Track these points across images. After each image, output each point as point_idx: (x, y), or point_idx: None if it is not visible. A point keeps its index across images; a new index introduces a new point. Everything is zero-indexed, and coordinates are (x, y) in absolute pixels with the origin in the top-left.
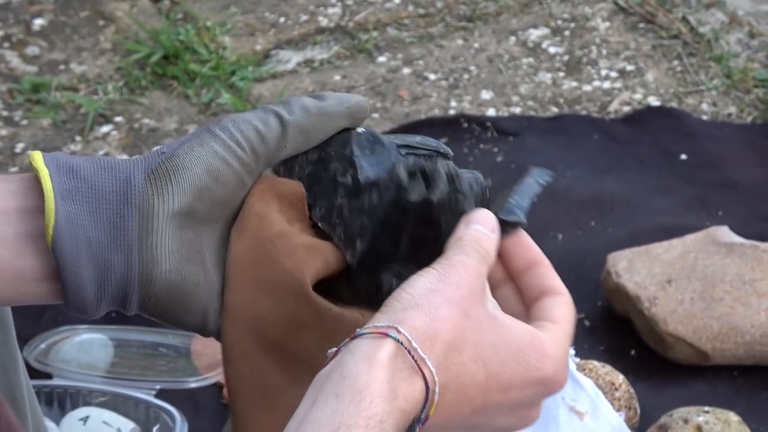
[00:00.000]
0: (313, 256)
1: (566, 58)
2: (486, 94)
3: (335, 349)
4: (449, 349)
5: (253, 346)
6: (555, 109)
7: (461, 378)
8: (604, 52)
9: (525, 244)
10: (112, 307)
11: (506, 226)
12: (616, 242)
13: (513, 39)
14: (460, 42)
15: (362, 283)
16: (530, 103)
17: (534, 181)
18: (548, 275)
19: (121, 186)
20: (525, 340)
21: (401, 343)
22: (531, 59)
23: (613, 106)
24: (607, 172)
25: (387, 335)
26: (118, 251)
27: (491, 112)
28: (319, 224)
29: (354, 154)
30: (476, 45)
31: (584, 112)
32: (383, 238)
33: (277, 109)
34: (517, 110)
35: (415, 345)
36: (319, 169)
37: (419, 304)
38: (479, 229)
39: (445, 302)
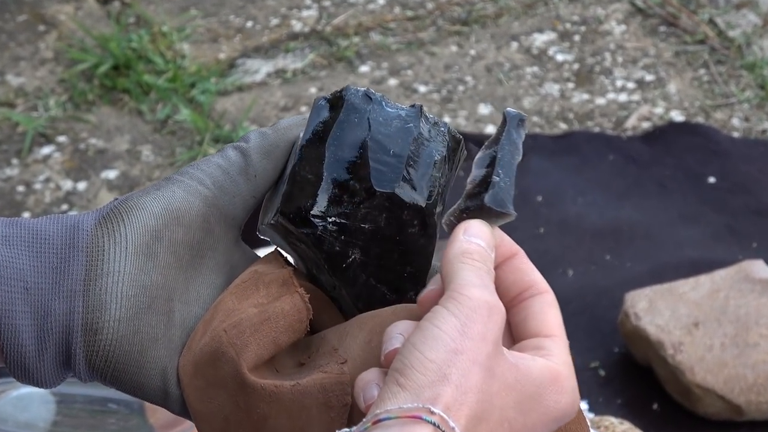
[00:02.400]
0: (259, 336)
1: (576, 66)
2: (484, 109)
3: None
4: (476, 420)
5: None
6: (564, 126)
7: None
8: (620, 59)
9: (499, 236)
10: (60, 368)
11: (491, 217)
12: (635, 279)
13: (515, 45)
14: (454, 48)
15: (346, 296)
16: (535, 118)
17: (515, 141)
18: (525, 268)
19: (67, 231)
20: (543, 380)
21: (437, 426)
22: (536, 68)
23: (631, 122)
24: (625, 198)
25: (420, 418)
26: (60, 297)
27: (490, 129)
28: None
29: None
30: (472, 52)
31: (597, 129)
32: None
33: (235, 143)
34: None
35: (452, 425)
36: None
37: (447, 375)
38: (482, 245)
39: (473, 366)
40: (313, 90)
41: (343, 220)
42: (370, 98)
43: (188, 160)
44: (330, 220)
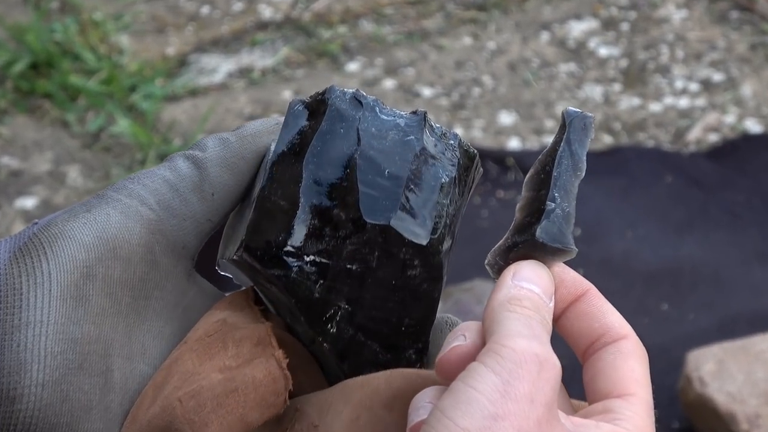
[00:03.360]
0: (223, 412)
1: (624, 63)
2: (506, 117)
3: None
4: None
5: None
6: (608, 139)
7: None
8: (680, 54)
9: (559, 274)
10: None
11: (546, 254)
12: (700, 334)
13: (545, 35)
14: (467, 40)
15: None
16: None
17: (577, 152)
18: (596, 311)
19: None
20: None
21: None
22: (572, 65)
23: (694, 134)
24: (686, 231)
25: None
26: None
27: (514, 143)
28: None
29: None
30: (491, 45)
31: (651, 143)
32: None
33: (187, 151)
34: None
35: None
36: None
37: None
38: (536, 291)
39: None
40: (287, 94)
41: (324, 260)
42: (360, 102)
43: None
44: (308, 259)
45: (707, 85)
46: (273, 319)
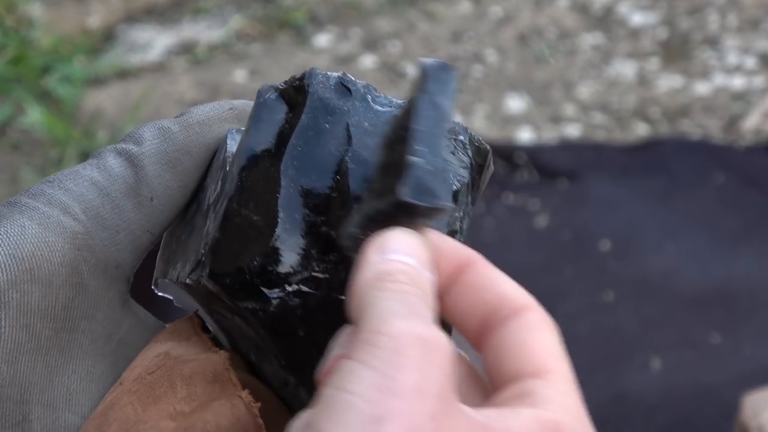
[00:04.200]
0: None
1: (663, 33)
2: (515, 102)
3: None
4: None
5: None
6: (644, 129)
7: None
8: (733, 21)
9: (436, 243)
10: None
11: (416, 217)
12: (759, 372)
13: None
14: (466, 6)
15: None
16: (597, 117)
17: (439, 102)
18: (487, 281)
19: None
20: None
21: None
22: (598, 36)
23: (751, 122)
24: (741, 244)
25: None
26: None
27: (525, 135)
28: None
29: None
30: (496, 11)
31: (697, 134)
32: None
33: (118, 145)
34: (573, 131)
35: None
36: None
37: None
38: (409, 262)
39: None
40: (239, 75)
41: (310, 290)
42: (349, 89)
43: None
44: (290, 289)
45: (767, 61)
46: (234, 357)
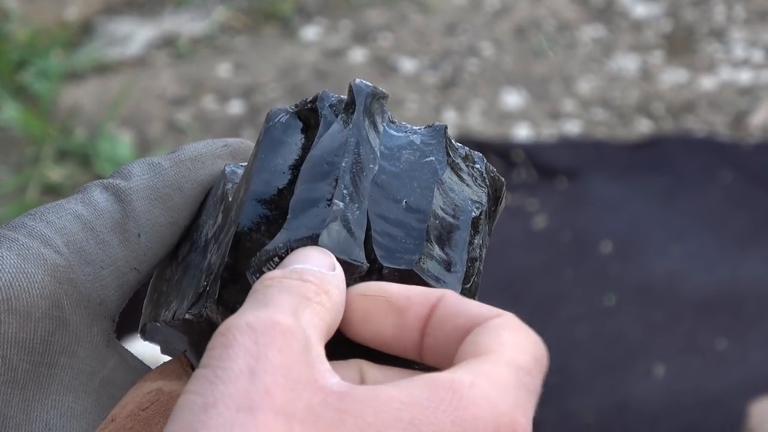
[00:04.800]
0: None
1: (668, 25)
2: (513, 97)
3: None
4: None
5: None
6: (647, 125)
7: None
8: (740, 12)
9: (409, 289)
10: None
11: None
12: (766, 378)
13: None
14: None
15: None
16: (598, 113)
17: (368, 136)
18: (462, 304)
19: None
20: (423, 399)
21: None
22: (600, 28)
23: (759, 118)
24: (749, 246)
25: None
26: None
27: (523, 132)
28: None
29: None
30: (492, 2)
31: (703, 131)
32: None
33: (106, 180)
34: (573, 127)
35: None
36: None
37: None
38: (307, 267)
39: (247, 418)
40: (223, 69)
41: None
42: (382, 105)
43: (15, 189)
44: None
45: None
46: None
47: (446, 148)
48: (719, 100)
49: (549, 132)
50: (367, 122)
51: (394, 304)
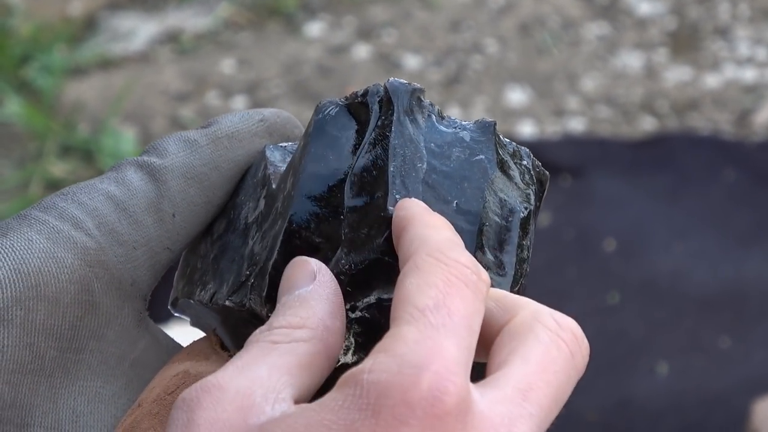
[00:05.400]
0: None
1: (672, 22)
2: (516, 95)
3: None
4: None
5: None
6: (651, 123)
7: None
8: (745, 12)
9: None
10: None
11: (396, 272)
12: None
13: None
14: None
15: None
16: (602, 110)
17: (412, 135)
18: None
19: None
20: (329, 405)
21: None
22: (604, 25)
23: (763, 116)
24: (753, 244)
25: None
26: None
27: (527, 129)
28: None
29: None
30: None
31: (707, 129)
32: None
33: (140, 157)
34: (577, 125)
35: None
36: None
37: None
38: (275, 320)
39: None
40: (227, 65)
41: (371, 315)
42: (422, 102)
43: (18, 185)
44: (352, 315)
45: None
46: None
47: (495, 145)
48: (723, 98)
49: (553, 129)
50: (408, 121)
51: None
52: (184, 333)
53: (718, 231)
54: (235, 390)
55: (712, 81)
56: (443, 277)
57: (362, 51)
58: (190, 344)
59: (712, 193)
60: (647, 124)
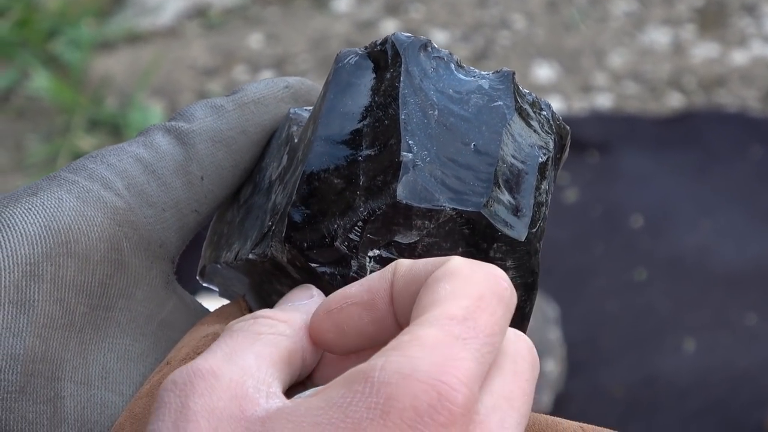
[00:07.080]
0: None
1: (699, 0)
2: (544, 70)
3: None
4: None
5: None
6: (678, 100)
7: None
8: None
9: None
10: None
11: (414, 216)
12: None
13: None
14: None
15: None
16: (630, 86)
17: (421, 85)
18: (415, 265)
19: None
20: (335, 401)
21: None
22: (632, 1)
23: None
24: None
25: None
26: None
27: (555, 105)
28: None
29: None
30: None
31: (735, 105)
32: None
33: (168, 122)
34: (604, 101)
35: None
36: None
37: None
38: (262, 312)
39: None
40: (255, 40)
41: (391, 254)
42: (430, 53)
43: (46, 159)
44: (372, 254)
45: None
46: None
47: (514, 93)
48: (751, 75)
49: (580, 105)
50: (417, 71)
51: (359, 304)
52: (211, 308)
53: (744, 208)
54: (228, 378)
55: (739, 57)
56: (478, 289)
57: (390, 26)
58: (219, 308)
59: (739, 170)
60: (674, 101)
